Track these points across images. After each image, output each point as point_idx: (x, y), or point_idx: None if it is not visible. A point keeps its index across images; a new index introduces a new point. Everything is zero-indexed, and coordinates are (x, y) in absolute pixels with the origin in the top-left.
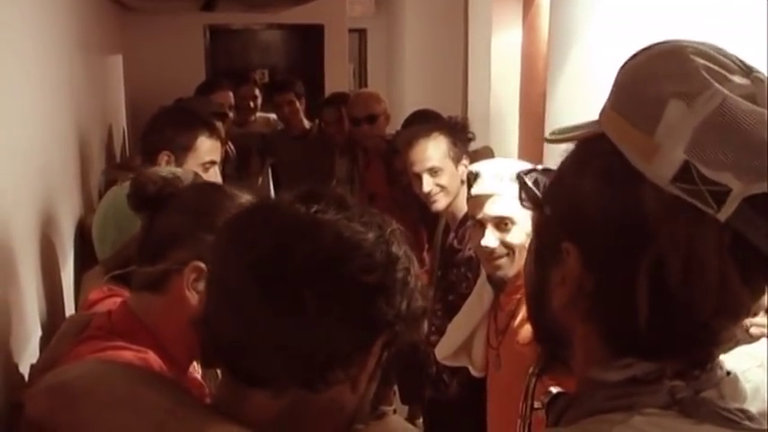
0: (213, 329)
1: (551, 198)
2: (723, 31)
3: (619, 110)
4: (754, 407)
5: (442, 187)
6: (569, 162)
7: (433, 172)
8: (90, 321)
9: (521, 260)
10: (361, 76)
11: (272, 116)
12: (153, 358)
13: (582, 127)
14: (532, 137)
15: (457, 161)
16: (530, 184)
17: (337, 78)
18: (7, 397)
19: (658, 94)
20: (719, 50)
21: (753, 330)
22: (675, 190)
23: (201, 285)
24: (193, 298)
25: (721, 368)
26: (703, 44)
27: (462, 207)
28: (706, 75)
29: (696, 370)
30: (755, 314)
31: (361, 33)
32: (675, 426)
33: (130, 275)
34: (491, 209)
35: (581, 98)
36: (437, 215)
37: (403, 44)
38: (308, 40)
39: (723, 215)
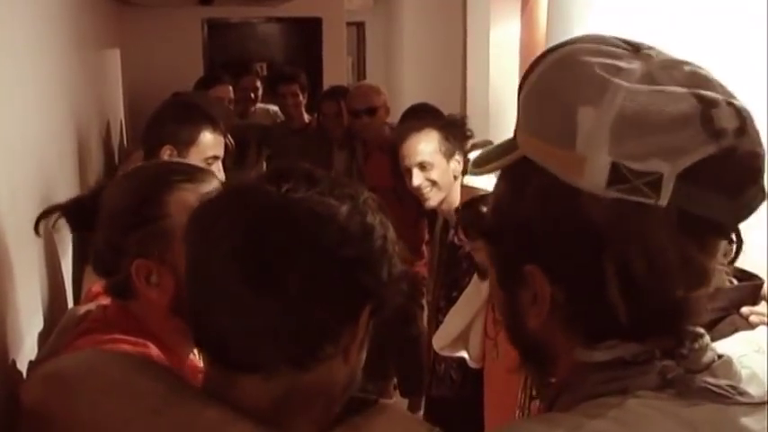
0: (198, 321)
1: (497, 227)
2: (722, 23)
3: (532, 132)
4: (750, 390)
5: (433, 182)
6: (503, 189)
7: (423, 166)
8: (87, 315)
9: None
10: (360, 69)
11: (272, 108)
12: (153, 350)
13: (496, 154)
14: None
15: (449, 156)
16: (471, 217)
17: (335, 71)
18: (7, 392)
19: (565, 106)
20: (603, 40)
21: (752, 319)
22: (613, 193)
23: (155, 278)
24: (154, 293)
25: (713, 350)
26: (587, 38)
27: (458, 202)
28: (602, 73)
29: (683, 348)
30: (756, 303)
31: (360, 26)
32: (669, 407)
33: None
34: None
35: None
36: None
37: (401, 37)
38: (306, 33)
39: (663, 200)
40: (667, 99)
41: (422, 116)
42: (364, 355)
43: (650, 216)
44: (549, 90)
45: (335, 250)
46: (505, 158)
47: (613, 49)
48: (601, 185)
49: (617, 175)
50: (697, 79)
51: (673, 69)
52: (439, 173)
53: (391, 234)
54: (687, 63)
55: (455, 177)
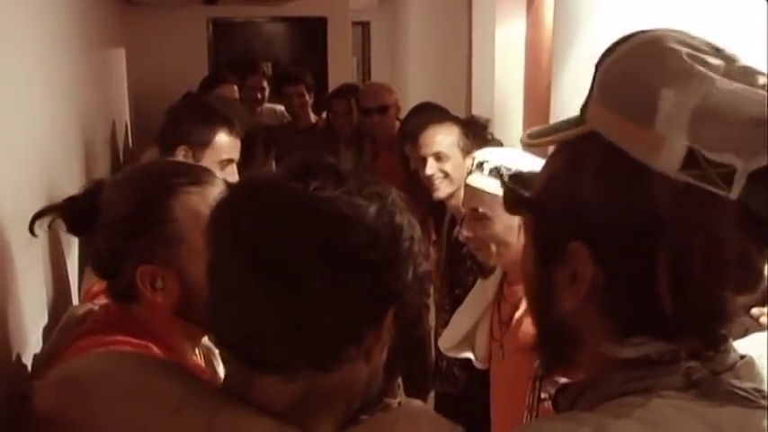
0: (219, 320)
1: (547, 201)
2: (727, 16)
3: (611, 107)
4: None
5: (446, 174)
6: (559, 164)
7: (438, 157)
8: (88, 314)
9: (503, 251)
10: (365, 68)
11: (279, 107)
12: (155, 352)
13: (559, 128)
14: None
15: (466, 153)
16: (517, 189)
17: (341, 71)
18: (12, 388)
19: (648, 87)
20: (691, 36)
21: (763, 320)
22: (685, 177)
23: (160, 283)
24: (159, 297)
25: (736, 351)
26: (677, 31)
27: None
28: (690, 61)
29: (710, 350)
30: (765, 304)
31: (365, 26)
32: (694, 408)
33: None
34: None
35: (585, 89)
36: (446, 207)
37: (406, 36)
38: (311, 32)
39: (734, 194)
40: (748, 99)
41: (436, 112)
42: (385, 354)
43: (718, 207)
44: (633, 69)
45: (363, 253)
46: (571, 131)
47: (701, 45)
48: (674, 167)
49: (692, 160)
50: None
51: (751, 76)
52: (453, 166)
53: (418, 233)
54: (764, 74)
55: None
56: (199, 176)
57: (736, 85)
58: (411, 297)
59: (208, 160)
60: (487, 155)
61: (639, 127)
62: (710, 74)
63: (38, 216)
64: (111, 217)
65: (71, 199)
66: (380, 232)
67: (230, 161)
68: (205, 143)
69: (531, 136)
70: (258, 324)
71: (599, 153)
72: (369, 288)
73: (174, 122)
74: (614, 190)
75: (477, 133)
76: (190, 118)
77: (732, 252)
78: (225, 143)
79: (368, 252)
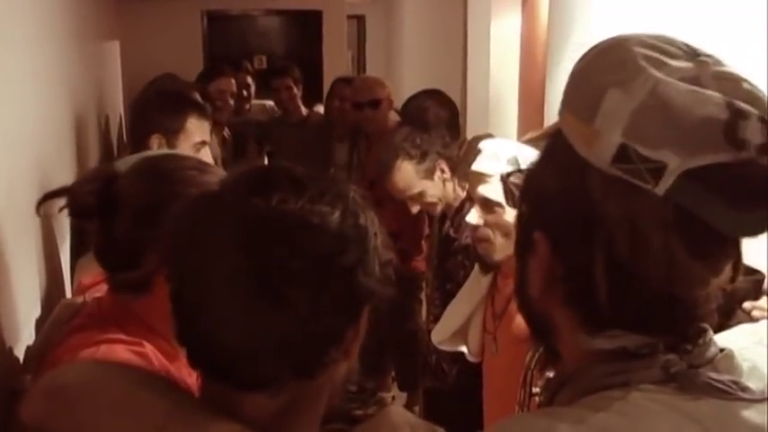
0: (197, 342)
1: (525, 193)
2: (724, 15)
3: (567, 106)
4: (751, 384)
5: (429, 204)
6: (537, 158)
7: (412, 198)
8: (81, 307)
9: (507, 246)
10: (360, 62)
11: (268, 103)
12: (150, 350)
13: (549, 126)
14: (532, 123)
15: (431, 173)
16: (510, 185)
17: (336, 65)
18: (3, 382)
19: (598, 86)
20: (666, 39)
21: (755, 313)
22: (615, 170)
23: None
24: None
25: (715, 345)
26: (649, 35)
27: (457, 195)
28: (642, 62)
29: (688, 344)
30: (757, 298)
31: (360, 19)
32: (673, 402)
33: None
34: (481, 190)
35: None
36: None
37: (402, 30)
38: (307, 26)
39: (660, 189)
40: (699, 101)
41: (398, 139)
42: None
43: (644, 202)
44: (591, 70)
45: (335, 259)
46: (547, 129)
47: (670, 48)
48: (606, 161)
49: (623, 154)
50: (746, 95)
51: (726, 81)
52: (430, 192)
53: (377, 226)
54: (747, 81)
55: (445, 179)
56: (204, 168)
57: (691, 88)
58: (381, 289)
59: (183, 145)
60: (502, 144)
61: (582, 123)
62: (659, 75)
63: (48, 197)
64: (134, 206)
65: (82, 182)
66: (348, 236)
67: (203, 143)
68: (177, 129)
69: (528, 135)
70: (242, 343)
71: (560, 149)
72: (346, 292)
73: (142, 116)
74: (564, 182)
75: (427, 140)
76: (158, 108)
77: (657, 247)
78: (196, 126)
79: (341, 257)
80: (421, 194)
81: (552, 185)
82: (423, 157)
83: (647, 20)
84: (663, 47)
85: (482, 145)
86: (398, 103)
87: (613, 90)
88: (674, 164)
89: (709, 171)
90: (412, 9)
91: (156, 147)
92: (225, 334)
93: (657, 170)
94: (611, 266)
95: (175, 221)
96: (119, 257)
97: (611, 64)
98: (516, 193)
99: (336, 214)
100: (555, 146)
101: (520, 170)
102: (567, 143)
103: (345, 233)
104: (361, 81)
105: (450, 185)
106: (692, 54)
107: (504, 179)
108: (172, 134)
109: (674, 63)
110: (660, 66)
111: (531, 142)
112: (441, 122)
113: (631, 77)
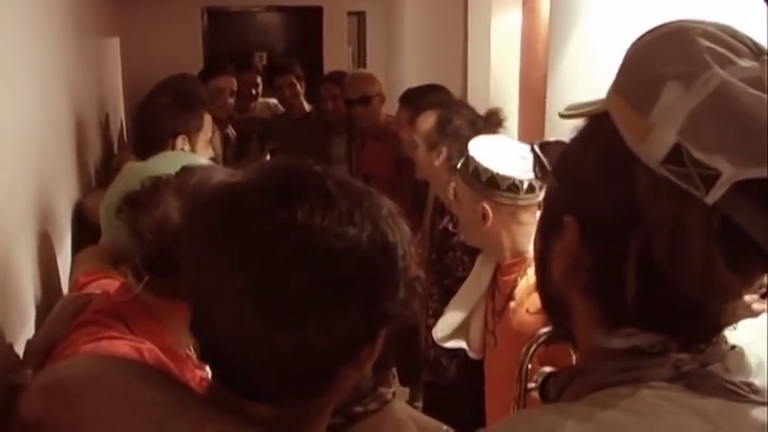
0: (210, 349)
1: (558, 171)
2: (724, 15)
3: (619, 90)
4: (758, 381)
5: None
6: (577, 137)
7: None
8: (87, 303)
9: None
10: (361, 58)
11: (272, 101)
12: (148, 348)
13: (593, 104)
14: (532, 120)
15: (432, 147)
16: (542, 156)
17: (336, 61)
18: (3, 377)
19: (657, 75)
20: (732, 32)
21: (755, 306)
22: (665, 171)
23: None
24: None
25: (726, 342)
26: (715, 25)
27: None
28: (708, 57)
29: (701, 344)
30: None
31: (360, 16)
32: (682, 399)
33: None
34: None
35: (581, 81)
36: (428, 197)
37: (402, 27)
38: (307, 22)
39: (711, 198)
40: (762, 107)
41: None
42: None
43: (691, 209)
44: (650, 55)
45: (357, 285)
46: (590, 108)
47: (736, 43)
48: (656, 159)
49: (676, 155)
50: None
51: None
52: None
53: (408, 243)
54: None
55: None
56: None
57: (756, 92)
58: (403, 311)
59: (201, 142)
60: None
61: (636, 113)
62: (725, 75)
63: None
64: (161, 222)
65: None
66: (374, 260)
67: (211, 138)
68: (198, 127)
69: (568, 108)
70: (251, 358)
71: (606, 133)
72: (364, 318)
73: (165, 117)
74: (607, 171)
75: (460, 125)
76: (181, 110)
77: (698, 255)
78: (209, 121)
79: (363, 283)
80: (439, 153)
81: (590, 170)
82: (446, 126)
83: (651, 15)
84: (729, 41)
85: (470, 148)
86: (393, 100)
87: (673, 83)
88: (728, 173)
89: (762, 184)
90: (412, 5)
91: (180, 147)
92: (232, 343)
93: (709, 177)
94: (643, 266)
95: (193, 221)
96: (161, 262)
97: (673, 53)
98: (547, 165)
99: (364, 236)
100: (599, 128)
101: (552, 142)
102: (614, 129)
103: (371, 258)
104: (351, 78)
105: (448, 173)
106: (758, 52)
107: (535, 150)
108: (194, 133)
109: (740, 62)
110: (726, 64)
111: (567, 116)
112: None
113: (694, 73)
